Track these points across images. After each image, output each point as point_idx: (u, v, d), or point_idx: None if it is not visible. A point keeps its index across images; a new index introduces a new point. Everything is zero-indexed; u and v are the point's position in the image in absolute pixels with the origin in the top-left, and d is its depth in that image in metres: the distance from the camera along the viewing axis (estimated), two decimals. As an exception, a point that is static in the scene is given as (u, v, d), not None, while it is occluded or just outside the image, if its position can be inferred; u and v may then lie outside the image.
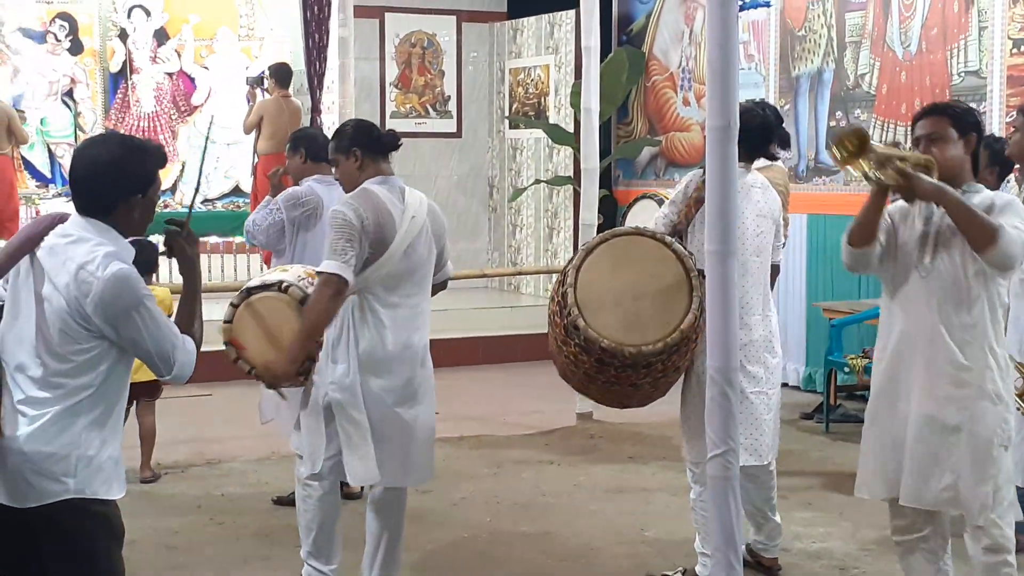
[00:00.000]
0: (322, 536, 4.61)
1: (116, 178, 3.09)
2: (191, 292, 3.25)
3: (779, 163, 6.56)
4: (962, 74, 7.68)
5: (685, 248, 4.52)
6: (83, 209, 3.12)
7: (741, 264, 4.27)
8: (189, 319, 3.22)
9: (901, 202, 3.96)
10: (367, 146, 4.52)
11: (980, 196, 3.87)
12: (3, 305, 3.19)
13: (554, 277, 11.49)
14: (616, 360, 4.34)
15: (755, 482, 4.91)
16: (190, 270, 3.25)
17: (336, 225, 4.24)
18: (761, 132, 4.77)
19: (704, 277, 3.96)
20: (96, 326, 3.01)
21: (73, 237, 3.07)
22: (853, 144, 3.77)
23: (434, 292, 4.61)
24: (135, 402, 6.07)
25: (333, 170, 4.74)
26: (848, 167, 3.87)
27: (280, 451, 6.32)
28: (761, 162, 5.42)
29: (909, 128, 7.87)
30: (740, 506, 3.64)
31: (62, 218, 3.16)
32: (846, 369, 7.49)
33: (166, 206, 11.86)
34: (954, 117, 3.89)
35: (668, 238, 4.52)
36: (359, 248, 4.22)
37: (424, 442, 4.46)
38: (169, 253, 3.24)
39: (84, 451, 3.04)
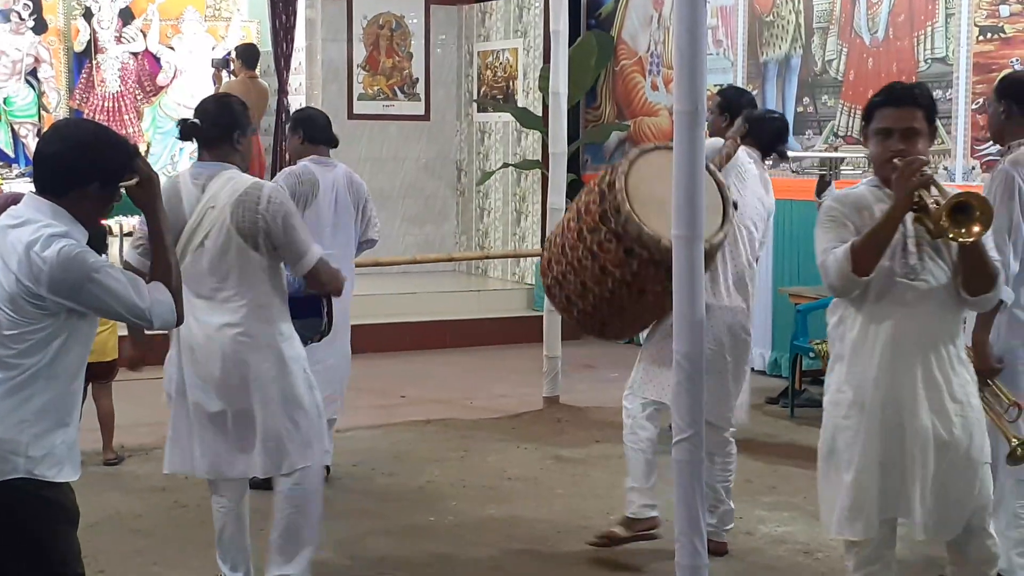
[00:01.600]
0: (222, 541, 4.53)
1: (77, 162, 3.06)
2: (157, 236, 3.22)
3: (717, 140, 6.53)
4: (929, 60, 7.72)
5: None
6: (39, 186, 3.09)
7: (735, 238, 4.87)
8: (165, 267, 3.19)
9: (852, 196, 3.66)
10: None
11: None
12: None
13: (522, 261, 11.55)
14: (646, 251, 4.42)
15: (713, 463, 4.91)
16: (151, 214, 3.22)
17: None
18: (777, 136, 5.35)
19: (736, 208, 4.67)
20: (51, 304, 2.98)
21: (22, 219, 3.04)
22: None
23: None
24: (89, 384, 6.03)
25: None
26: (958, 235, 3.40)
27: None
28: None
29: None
30: (704, 490, 3.65)
31: (15, 199, 3.13)
32: (811, 354, 7.53)
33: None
34: (927, 108, 3.62)
35: (712, 167, 4.63)
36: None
37: (238, 437, 4.28)
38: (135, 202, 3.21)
39: (34, 431, 3.01)
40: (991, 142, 5.44)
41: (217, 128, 4.23)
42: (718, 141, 4.97)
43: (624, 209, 4.40)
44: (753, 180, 5.09)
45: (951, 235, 3.38)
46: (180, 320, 3.23)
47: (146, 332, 3.63)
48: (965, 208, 3.38)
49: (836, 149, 8.29)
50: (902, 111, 3.58)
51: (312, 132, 5.97)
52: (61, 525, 3.10)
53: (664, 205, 4.25)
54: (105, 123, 12.23)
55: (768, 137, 5.32)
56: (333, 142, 6.06)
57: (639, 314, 4.75)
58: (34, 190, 3.14)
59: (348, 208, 5.94)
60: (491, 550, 5.20)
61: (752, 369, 8.82)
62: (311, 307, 4.48)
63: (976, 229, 3.38)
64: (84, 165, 3.06)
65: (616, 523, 5.08)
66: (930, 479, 3.54)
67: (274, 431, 4.23)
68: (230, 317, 4.16)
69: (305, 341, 4.43)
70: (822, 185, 6.50)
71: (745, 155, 5.06)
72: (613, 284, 4.55)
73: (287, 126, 6.17)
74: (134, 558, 5.04)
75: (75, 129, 3.16)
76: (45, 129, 3.21)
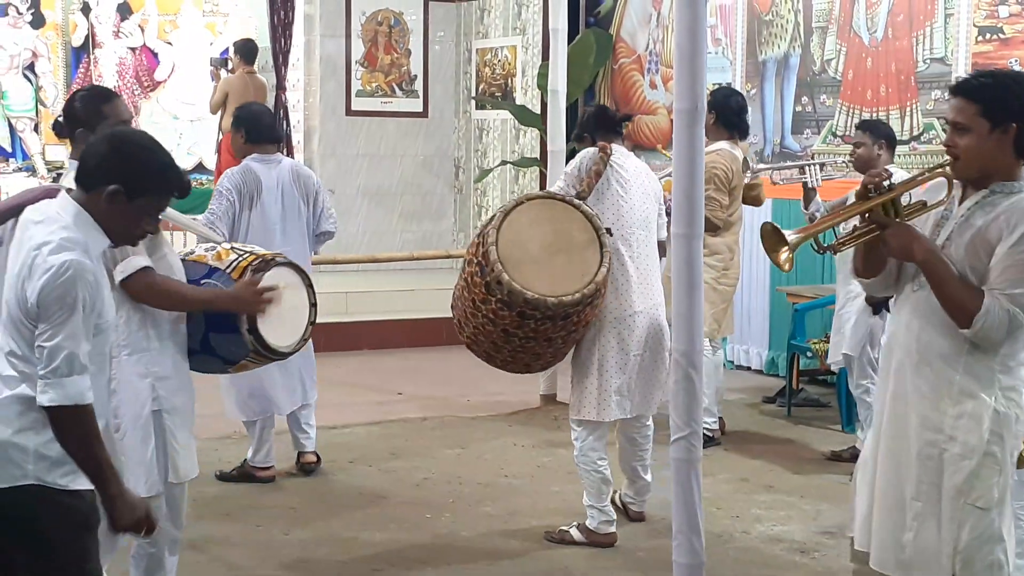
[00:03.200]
0: None
1: (113, 159, 2.99)
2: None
3: (722, 144, 6.55)
4: (927, 61, 7.72)
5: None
6: (76, 180, 3.04)
7: (625, 238, 4.99)
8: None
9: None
10: None
11: (1010, 201, 3.18)
12: None
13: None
14: (538, 312, 4.62)
15: (633, 444, 5.28)
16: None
17: None
18: (740, 111, 5.85)
19: (611, 234, 4.79)
20: (29, 310, 2.89)
21: (43, 217, 2.98)
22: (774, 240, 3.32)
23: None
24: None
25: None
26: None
27: (241, 430, 6.28)
28: (715, 145, 6.42)
29: (874, 113, 7.94)
30: (700, 488, 3.65)
31: (51, 192, 3.08)
32: (808, 353, 7.53)
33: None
34: (985, 103, 3.17)
35: (576, 200, 4.89)
36: None
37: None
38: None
39: (43, 438, 2.93)
40: None
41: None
42: (590, 153, 5.08)
43: (504, 279, 4.57)
44: (635, 176, 5.10)
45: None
46: (71, 411, 2.92)
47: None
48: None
49: (838, 147, 8.30)
50: (954, 102, 3.24)
51: (254, 131, 5.93)
52: (74, 531, 3.01)
53: (539, 261, 4.64)
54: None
55: (735, 114, 6.18)
56: (277, 139, 6.04)
57: (557, 350, 4.99)
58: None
59: (296, 203, 5.90)
60: (487, 547, 5.20)
61: (749, 368, 8.92)
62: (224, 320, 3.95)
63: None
64: (120, 163, 2.99)
65: (574, 525, 5.19)
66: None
67: None
68: None
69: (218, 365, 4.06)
70: (808, 196, 6.51)
71: (618, 154, 5.12)
72: (520, 341, 4.79)
73: (231, 123, 6.12)
74: (123, 554, 5.03)
75: (133, 131, 3.13)
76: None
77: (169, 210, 3.28)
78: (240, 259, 3.97)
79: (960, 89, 3.23)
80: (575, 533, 5.18)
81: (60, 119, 4.07)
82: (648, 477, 5.38)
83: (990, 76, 3.29)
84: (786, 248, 3.31)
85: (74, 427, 2.90)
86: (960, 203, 3.28)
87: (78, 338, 2.88)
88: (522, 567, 5.00)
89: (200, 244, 4.21)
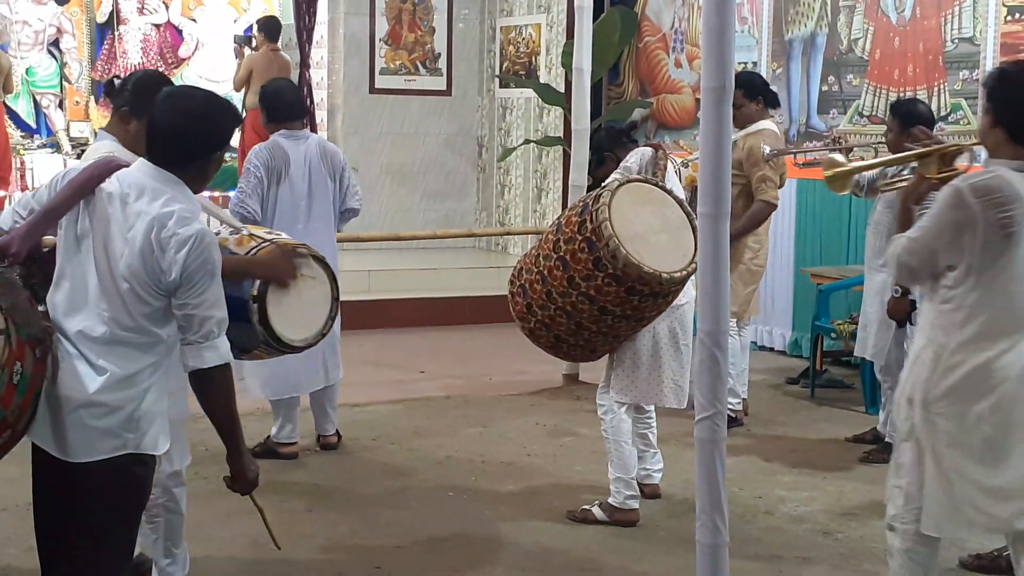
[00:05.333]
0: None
1: (203, 132, 3.10)
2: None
3: (769, 124, 6.57)
4: (956, 40, 7.64)
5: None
6: (162, 160, 3.08)
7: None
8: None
9: None
10: None
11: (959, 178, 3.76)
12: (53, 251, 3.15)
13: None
14: (647, 288, 4.67)
15: (640, 411, 5.37)
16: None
17: None
18: (767, 84, 5.96)
19: None
20: (166, 283, 2.98)
21: (142, 188, 3.03)
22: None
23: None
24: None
25: None
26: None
27: (265, 407, 6.30)
28: (753, 127, 6.58)
29: (901, 93, 7.87)
30: (724, 468, 3.63)
31: (121, 165, 3.11)
32: (833, 335, 7.49)
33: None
34: (986, 87, 3.69)
35: (666, 186, 4.99)
36: None
37: None
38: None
39: (145, 406, 3.04)
40: None
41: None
42: (647, 151, 5.25)
43: (620, 254, 4.61)
44: (674, 178, 5.28)
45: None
46: (222, 369, 3.11)
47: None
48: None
49: (862, 129, 8.24)
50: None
51: (273, 110, 5.90)
52: (143, 499, 3.17)
53: (646, 238, 4.72)
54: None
55: (764, 88, 6.54)
56: (299, 116, 5.97)
57: (632, 331, 5.02)
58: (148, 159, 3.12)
59: (323, 180, 5.90)
60: (509, 525, 5.20)
61: (772, 349, 8.89)
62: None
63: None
64: (210, 133, 3.12)
65: (596, 504, 5.21)
66: None
67: None
68: None
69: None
70: None
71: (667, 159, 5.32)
72: (612, 320, 4.83)
73: (257, 101, 6.09)
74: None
75: (192, 101, 3.16)
76: (162, 100, 3.17)
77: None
78: (260, 247, 3.91)
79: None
80: (597, 512, 5.18)
81: (115, 82, 4.18)
82: (657, 445, 5.49)
83: (994, 71, 3.84)
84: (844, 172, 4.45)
85: (224, 385, 3.10)
86: None
87: (221, 301, 3.07)
88: (544, 545, 5.00)
89: (224, 228, 4.19)
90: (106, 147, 3.80)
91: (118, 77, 4.22)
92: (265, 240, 3.96)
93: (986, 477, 3.60)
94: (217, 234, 4.02)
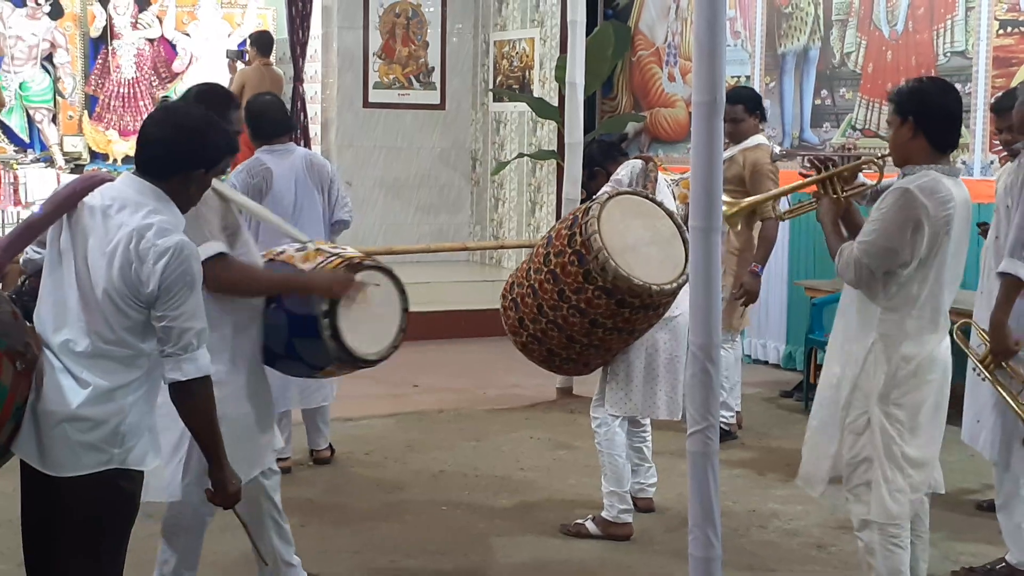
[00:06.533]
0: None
1: (189, 146, 3.07)
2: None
3: (764, 138, 6.59)
4: (948, 54, 7.67)
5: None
6: (142, 168, 3.07)
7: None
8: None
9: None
10: None
11: (898, 182, 3.87)
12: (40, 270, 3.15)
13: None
14: (637, 300, 4.65)
15: (635, 424, 5.38)
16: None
17: None
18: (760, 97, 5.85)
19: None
20: (145, 295, 2.96)
21: (125, 200, 3.02)
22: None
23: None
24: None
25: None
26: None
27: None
28: (749, 141, 6.53)
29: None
30: (718, 481, 3.63)
31: (104, 179, 3.11)
32: (826, 348, 7.48)
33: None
34: (895, 102, 3.91)
35: (656, 198, 5.00)
36: None
37: None
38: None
39: (131, 421, 3.03)
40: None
41: None
42: (637, 164, 5.27)
43: (610, 266, 4.59)
44: (663, 188, 5.30)
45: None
46: (202, 381, 3.08)
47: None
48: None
49: (855, 143, 8.25)
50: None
51: (255, 128, 5.82)
52: (132, 515, 3.15)
53: (637, 250, 4.71)
54: (120, 109, 12.30)
55: (755, 101, 6.51)
56: (281, 133, 5.86)
57: (624, 344, 5.02)
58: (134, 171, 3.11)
59: (310, 192, 5.84)
60: (503, 540, 5.19)
61: (766, 362, 8.89)
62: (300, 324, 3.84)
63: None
64: (199, 149, 3.09)
65: (590, 518, 5.20)
66: None
67: None
68: None
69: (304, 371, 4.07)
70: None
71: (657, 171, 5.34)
72: (602, 333, 4.81)
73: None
74: (148, 542, 5.04)
75: (186, 116, 3.16)
76: (157, 110, 3.20)
77: (256, 206, 3.31)
78: (327, 261, 3.87)
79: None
80: (591, 526, 5.17)
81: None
82: (651, 459, 5.50)
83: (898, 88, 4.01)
84: (741, 209, 4.81)
85: (204, 397, 3.06)
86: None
87: (200, 313, 3.04)
88: (538, 560, 4.99)
89: (291, 244, 4.11)
90: None
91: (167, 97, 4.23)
92: (332, 254, 3.93)
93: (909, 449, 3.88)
94: (283, 252, 4.02)
